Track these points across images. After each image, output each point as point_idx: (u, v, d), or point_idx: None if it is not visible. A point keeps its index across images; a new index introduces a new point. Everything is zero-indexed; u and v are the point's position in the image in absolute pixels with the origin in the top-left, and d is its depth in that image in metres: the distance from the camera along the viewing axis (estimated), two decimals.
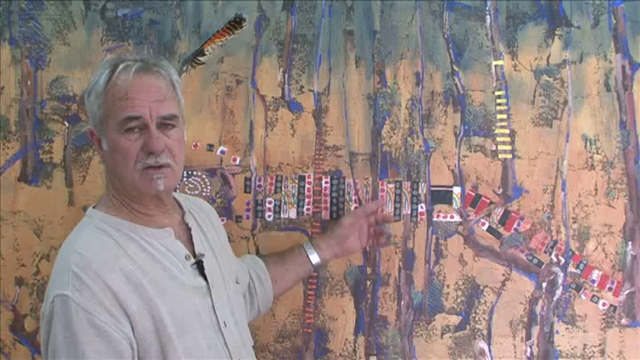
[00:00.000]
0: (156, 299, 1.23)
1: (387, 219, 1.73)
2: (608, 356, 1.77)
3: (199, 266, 1.33)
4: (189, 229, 1.37)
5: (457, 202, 1.78)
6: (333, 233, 1.67)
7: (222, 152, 1.77)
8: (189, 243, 1.35)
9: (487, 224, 1.78)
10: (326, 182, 1.78)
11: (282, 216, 1.77)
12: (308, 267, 1.65)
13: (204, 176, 1.75)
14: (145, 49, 1.73)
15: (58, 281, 1.21)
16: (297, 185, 1.77)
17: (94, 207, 1.34)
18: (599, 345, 1.77)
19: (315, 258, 1.65)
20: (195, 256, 1.34)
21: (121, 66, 1.27)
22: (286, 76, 1.78)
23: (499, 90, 1.79)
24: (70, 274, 1.19)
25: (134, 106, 1.24)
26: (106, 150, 1.29)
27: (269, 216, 1.76)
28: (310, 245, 1.66)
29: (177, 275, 1.28)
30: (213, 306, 1.31)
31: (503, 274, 1.78)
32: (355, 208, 1.75)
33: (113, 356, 1.18)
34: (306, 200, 1.77)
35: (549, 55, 1.79)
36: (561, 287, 1.77)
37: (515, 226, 1.77)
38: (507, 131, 1.78)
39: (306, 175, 1.78)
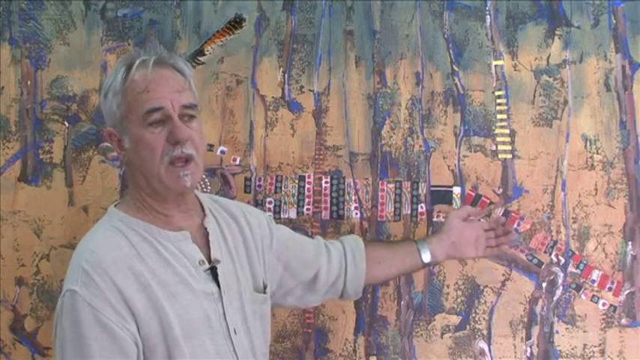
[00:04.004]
0: (163, 302, 1.23)
1: (506, 238, 1.65)
2: (608, 356, 1.77)
3: (213, 272, 1.32)
4: (208, 233, 1.36)
5: (457, 202, 1.78)
6: (445, 234, 1.60)
7: (222, 152, 1.77)
8: (207, 247, 1.34)
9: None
10: (326, 182, 1.78)
11: (282, 216, 1.77)
12: (416, 259, 1.57)
13: (204, 176, 1.75)
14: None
15: (70, 277, 1.23)
16: (297, 185, 1.77)
17: (115, 205, 1.34)
18: (599, 345, 1.77)
19: (425, 254, 1.57)
20: (210, 260, 1.33)
21: (137, 62, 1.27)
22: (286, 76, 1.78)
23: (499, 90, 1.79)
24: (81, 270, 1.21)
25: (156, 98, 1.25)
26: (128, 148, 1.28)
27: (269, 216, 1.76)
28: (423, 241, 1.59)
29: (188, 280, 1.28)
30: (224, 312, 1.30)
31: (503, 274, 1.78)
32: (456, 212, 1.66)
33: (118, 353, 1.18)
34: (306, 200, 1.77)
35: (549, 55, 1.79)
36: (561, 287, 1.77)
37: (515, 226, 1.77)
38: (507, 131, 1.78)
39: (306, 175, 1.78)
